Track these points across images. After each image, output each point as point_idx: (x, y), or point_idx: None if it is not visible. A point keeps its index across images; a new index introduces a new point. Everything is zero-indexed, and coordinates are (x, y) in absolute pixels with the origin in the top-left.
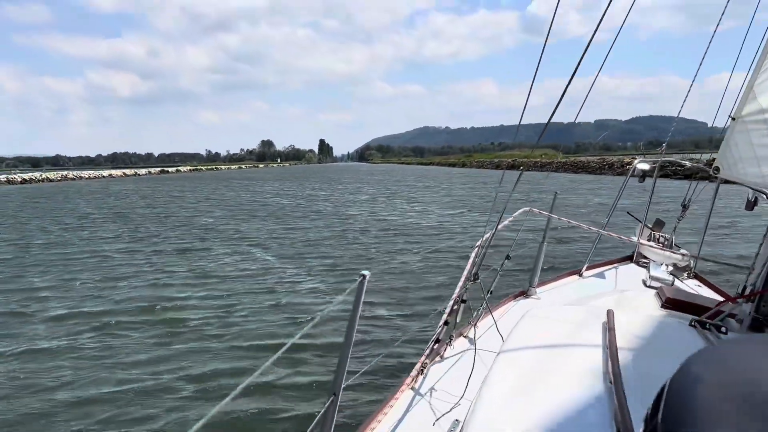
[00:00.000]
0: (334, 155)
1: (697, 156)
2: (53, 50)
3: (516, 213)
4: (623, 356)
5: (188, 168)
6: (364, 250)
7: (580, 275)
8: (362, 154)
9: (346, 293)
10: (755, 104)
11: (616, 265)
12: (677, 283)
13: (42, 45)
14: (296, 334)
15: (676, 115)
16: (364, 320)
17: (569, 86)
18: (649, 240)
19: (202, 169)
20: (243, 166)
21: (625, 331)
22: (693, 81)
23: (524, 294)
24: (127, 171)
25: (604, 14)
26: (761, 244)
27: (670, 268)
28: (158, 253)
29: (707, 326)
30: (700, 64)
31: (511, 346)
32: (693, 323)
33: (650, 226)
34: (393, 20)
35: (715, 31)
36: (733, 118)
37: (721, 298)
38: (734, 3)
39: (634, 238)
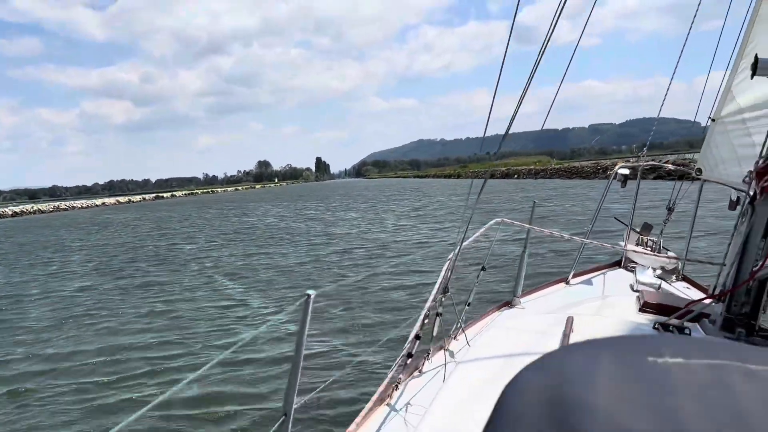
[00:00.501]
0: (331, 172)
1: (689, 156)
2: (47, 82)
3: (488, 224)
4: None
5: (184, 192)
6: (341, 275)
7: (567, 283)
8: (359, 170)
9: (286, 313)
10: (734, 105)
11: (604, 270)
12: (665, 285)
13: (35, 77)
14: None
15: (667, 116)
16: (320, 338)
17: (524, 97)
18: (637, 244)
19: (197, 193)
20: (240, 188)
21: (583, 337)
22: (670, 82)
23: (509, 304)
24: (121, 198)
25: (553, 27)
26: (729, 244)
27: (659, 272)
28: (119, 289)
29: (670, 328)
30: (676, 66)
31: (472, 357)
32: (656, 326)
33: (638, 230)
34: (384, 36)
35: (688, 33)
36: (713, 120)
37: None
38: (717, 2)
39: (622, 243)
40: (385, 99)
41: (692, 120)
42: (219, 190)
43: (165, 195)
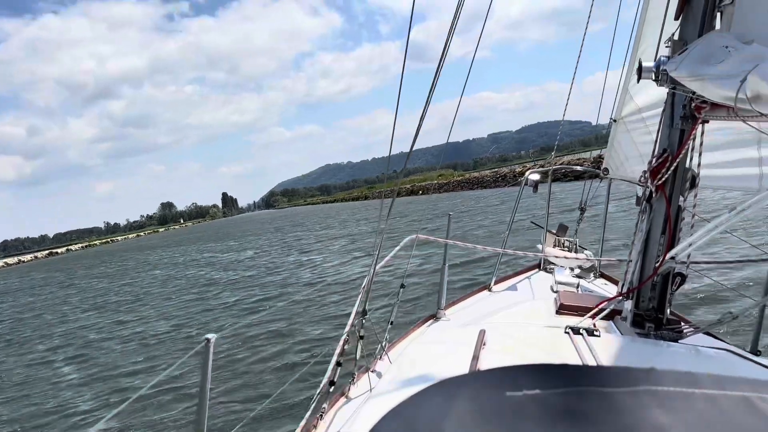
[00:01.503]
0: (239, 206)
1: (585, 155)
2: None
3: (403, 242)
4: None
5: (80, 246)
6: (244, 315)
7: (490, 290)
8: (268, 201)
9: (188, 358)
10: (632, 105)
11: (525, 274)
12: (584, 284)
13: None
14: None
15: (561, 119)
16: (229, 381)
17: (424, 113)
18: (554, 245)
19: (96, 244)
20: (142, 234)
21: (496, 348)
22: (571, 86)
23: (434, 317)
24: (10, 260)
25: (448, 45)
26: (633, 241)
27: (577, 271)
28: None
29: (580, 331)
30: (575, 72)
31: (396, 376)
32: (567, 330)
33: (554, 231)
34: (280, 65)
35: (584, 38)
36: (614, 120)
37: None
38: (599, 6)
39: (540, 246)
40: (288, 128)
41: (583, 120)
42: (119, 238)
43: (59, 250)
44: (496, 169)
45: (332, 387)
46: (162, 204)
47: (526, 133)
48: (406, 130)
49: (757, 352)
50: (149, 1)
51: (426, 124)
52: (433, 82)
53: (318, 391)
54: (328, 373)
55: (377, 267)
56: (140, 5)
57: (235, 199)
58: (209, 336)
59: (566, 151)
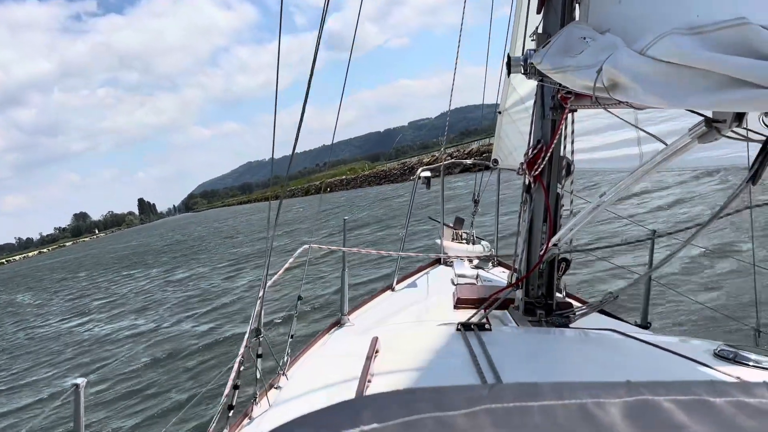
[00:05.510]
0: (158, 211)
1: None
2: None
3: (296, 253)
4: (374, 385)
5: None
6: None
7: (393, 290)
8: (188, 204)
9: (53, 407)
10: (515, 95)
11: (426, 270)
12: (483, 274)
13: None
14: None
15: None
16: (114, 424)
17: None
18: (452, 239)
19: None
20: (46, 250)
21: (386, 355)
22: (453, 75)
23: (338, 323)
24: None
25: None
26: (518, 231)
27: (475, 262)
28: None
29: (472, 327)
30: (456, 60)
31: (299, 390)
32: (459, 327)
33: (451, 225)
34: (195, 61)
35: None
36: (500, 112)
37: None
38: None
39: (438, 241)
40: (207, 126)
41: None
42: (17, 257)
43: None
44: (404, 161)
45: (231, 411)
46: (75, 215)
47: (445, 118)
48: (327, 122)
49: (646, 325)
50: (54, 1)
51: (346, 115)
52: (308, 79)
53: (215, 419)
54: (224, 399)
55: (270, 282)
56: (44, 5)
57: (153, 205)
58: (78, 381)
59: (485, 134)
